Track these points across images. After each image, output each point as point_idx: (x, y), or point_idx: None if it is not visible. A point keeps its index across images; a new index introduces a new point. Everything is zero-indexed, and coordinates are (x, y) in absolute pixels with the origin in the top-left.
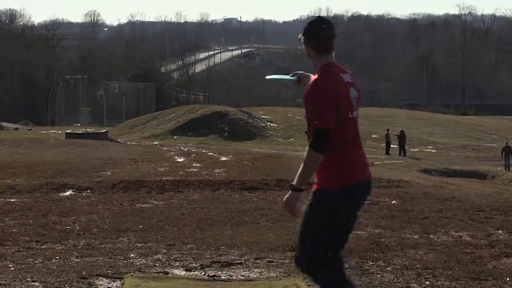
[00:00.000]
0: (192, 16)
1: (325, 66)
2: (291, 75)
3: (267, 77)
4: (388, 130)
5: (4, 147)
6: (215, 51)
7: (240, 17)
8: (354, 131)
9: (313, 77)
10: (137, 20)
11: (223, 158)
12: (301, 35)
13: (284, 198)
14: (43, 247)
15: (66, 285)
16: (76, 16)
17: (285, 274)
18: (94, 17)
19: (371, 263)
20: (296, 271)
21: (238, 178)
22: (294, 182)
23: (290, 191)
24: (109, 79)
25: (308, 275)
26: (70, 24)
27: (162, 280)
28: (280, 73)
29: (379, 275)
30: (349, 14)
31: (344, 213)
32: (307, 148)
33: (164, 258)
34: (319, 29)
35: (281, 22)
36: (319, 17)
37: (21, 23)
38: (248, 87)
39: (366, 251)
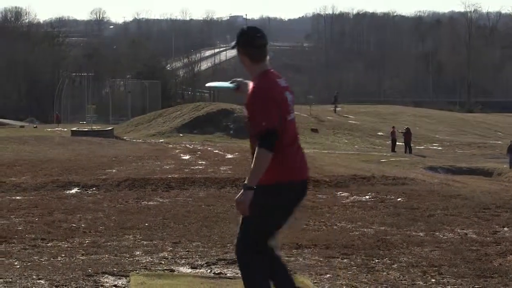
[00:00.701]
0: (198, 13)
1: (263, 73)
2: (230, 82)
3: (207, 84)
4: (393, 127)
5: (10, 145)
6: (221, 49)
7: (246, 15)
8: (293, 133)
9: (251, 84)
10: (142, 18)
11: (229, 156)
12: (234, 43)
13: (236, 197)
14: (49, 244)
15: (72, 282)
16: (81, 14)
17: (291, 272)
18: (99, 15)
19: (376, 260)
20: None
21: (244, 176)
22: (246, 181)
23: (242, 190)
24: (114, 76)
25: (238, 261)
26: (76, 22)
27: (167, 277)
28: (220, 81)
29: (384, 273)
30: (355, 12)
31: (274, 208)
32: (256, 148)
33: (170, 255)
34: (254, 38)
35: (286, 19)
36: (250, 27)
37: (27, 21)
38: None
39: (372, 249)
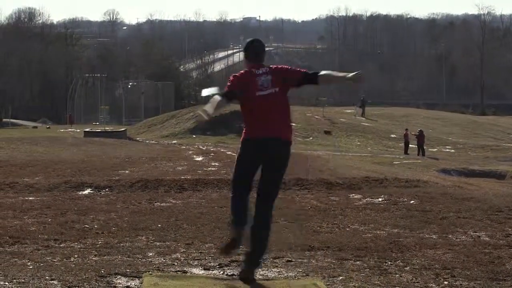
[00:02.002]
0: (211, 15)
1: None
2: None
3: (203, 94)
4: (406, 129)
5: (23, 146)
6: (234, 50)
7: (259, 16)
8: (264, 105)
9: None
10: (156, 19)
11: None
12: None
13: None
14: (61, 245)
15: (85, 283)
16: (95, 15)
17: (304, 274)
18: (113, 16)
19: (389, 262)
20: None
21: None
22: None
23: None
24: (127, 77)
25: None
26: (89, 22)
27: (180, 279)
28: (215, 88)
29: (397, 275)
30: (368, 14)
31: (240, 156)
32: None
33: (183, 257)
34: (251, 45)
35: (300, 21)
36: (253, 39)
37: (40, 21)
38: None
39: (385, 251)
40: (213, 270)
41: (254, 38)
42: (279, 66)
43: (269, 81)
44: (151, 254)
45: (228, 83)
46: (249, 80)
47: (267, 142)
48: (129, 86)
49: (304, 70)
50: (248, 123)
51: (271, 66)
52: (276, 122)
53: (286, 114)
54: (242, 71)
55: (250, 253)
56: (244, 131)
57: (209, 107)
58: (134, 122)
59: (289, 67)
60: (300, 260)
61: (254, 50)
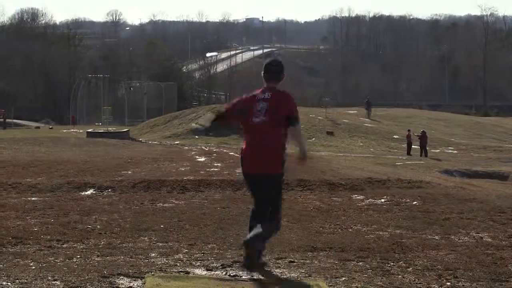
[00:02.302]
0: (214, 15)
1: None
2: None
3: (200, 123)
4: (409, 130)
5: (26, 146)
6: (237, 51)
7: (262, 17)
8: (255, 133)
9: None
10: (158, 20)
11: None
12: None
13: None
14: (64, 246)
15: (87, 284)
16: (97, 15)
17: (306, 275)
18: (115, 16)
19: (392, 263)
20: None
21: None
22: None
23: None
24: (130, 78)
25: None
26: (92, 23)
27: (183, 279)
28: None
29: (400, 276)
30: (371, 15)
31: (247, 185)
32: None
33: (185, 257)
34: (269, 67)
35: (302, 22)
36: (272, 59)
37: (43, 22)
38: None
39: (387, 252)
40: (215, 271)
41: (273, 59)
42: (284, 95)
43: (264, 109)
44: (153, 254)
45: (233, 101)
46: (251, 104)
47: (256, 178)
48: (131, 89)
49: (289, 115)
50: (244, 145)
51: (279, 91)
52: (263, 154)
53: (274, 145)
54: (252, 93)
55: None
56: (241, 149)
57: (202, 121)
58: (137, 123)
59: (289, 101)
60: (302, 261)
61: (268, 71)
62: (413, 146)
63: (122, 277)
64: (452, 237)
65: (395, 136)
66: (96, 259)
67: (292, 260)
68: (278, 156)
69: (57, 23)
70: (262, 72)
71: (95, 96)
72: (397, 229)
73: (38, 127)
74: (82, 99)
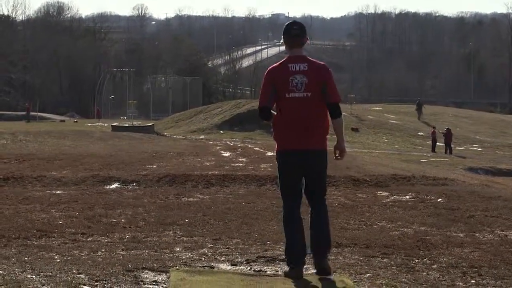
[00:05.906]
0: (240, 11)
1: (286, 57)
2: None
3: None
4: (434, 127)
5: (51, 139)
6: (262, 46)
7: (288, 13)
8: (294, 108)
9: None
10: (184, 14)
11: (269, 153)
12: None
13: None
14: (89, 239)
15: (112, 277)
16: (123, 9)
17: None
18: (141, 11)
19: (416, 260)
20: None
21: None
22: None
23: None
24: (155, 72)
25: None
26: (118, 17)
27: (207, 274)
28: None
29: (424, 273)
30: (397, 12)
31: (279, 169)
32: None
33: (210, 252)
34: (290, 29)
35: (328, 18)
36: (292, 21)
37: (69, 15)
38: None
39: (412, 249)
40: (240, 266)
41: (293, 21)
42: (324, 70)
43: (303, 83)
44: (178, 249)
45: (261, 89)
46: (281, 79)
47: (299, 155)
48: (157, 81)
49: (334, 102)
50: (277, 126)
51: (316, 64)
52: (310, 129)
53: (318, 120)
54: (278, 64)
55: (313, 245)
56: (274, 135)
57: None
58: (162, 117)
59: (332, 80)
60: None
61: (290, 33)
62: (438, 143)
63: (146, 271)
64: (477, 234)
65: (420, 133)
66: (120, 252)
67: None
68: (326, 132)
69: (83, 17)
70: (283, 36)
71: (120, 90)
72: (421, 226)
73: (63, 121)
74: (107, 93)
